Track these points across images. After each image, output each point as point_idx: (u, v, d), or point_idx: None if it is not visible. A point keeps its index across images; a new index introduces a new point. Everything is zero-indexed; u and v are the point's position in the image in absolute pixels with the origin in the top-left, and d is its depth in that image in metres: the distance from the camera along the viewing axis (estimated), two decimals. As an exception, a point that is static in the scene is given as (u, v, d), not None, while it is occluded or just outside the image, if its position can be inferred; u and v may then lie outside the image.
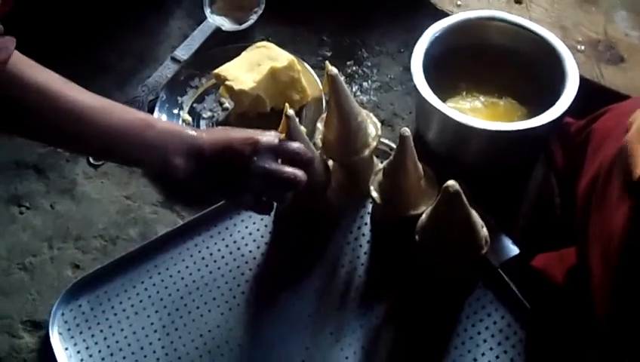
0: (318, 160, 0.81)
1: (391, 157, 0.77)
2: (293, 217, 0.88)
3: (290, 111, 0.74)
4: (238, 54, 0.97)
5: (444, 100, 0.85)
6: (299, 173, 0.72)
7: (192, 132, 0.72)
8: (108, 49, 1.06)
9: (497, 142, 0.84)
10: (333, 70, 0.74)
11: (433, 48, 0.88)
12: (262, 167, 0.70)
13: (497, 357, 0.77)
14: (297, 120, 0.75)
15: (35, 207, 0.93)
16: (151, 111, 0.98)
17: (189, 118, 0.99)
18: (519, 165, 0.89)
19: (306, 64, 1.00)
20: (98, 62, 1.05)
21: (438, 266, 0.79)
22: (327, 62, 0.76)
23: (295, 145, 0.73)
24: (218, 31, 1.06)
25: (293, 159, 0.73)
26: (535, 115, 0.82)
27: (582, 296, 0.72)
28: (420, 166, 0.78)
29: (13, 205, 0.93)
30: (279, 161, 0.73)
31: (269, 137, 0.71)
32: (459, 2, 0.99)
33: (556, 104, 0.82)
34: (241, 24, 1.07)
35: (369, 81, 1.01)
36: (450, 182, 0.67)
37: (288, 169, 0.71)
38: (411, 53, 0.87)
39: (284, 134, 0.75)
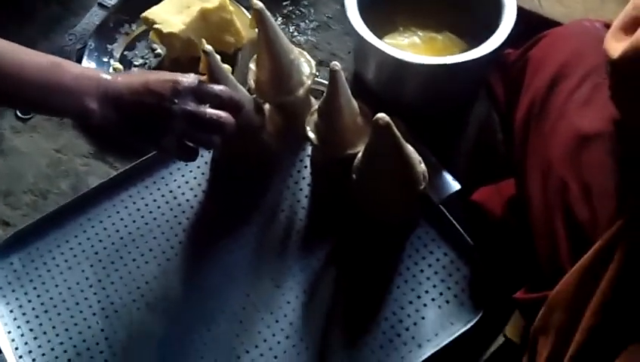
0: (250, 102, 0.78)
1: (324, 94, 0.74)
2: (230, 163, 0.85)
3: (208, 47, 0.70)
4: (168, -4, 0.92)
5: (381, 37, 0.83)
6: (223, 114, 0.68)
7: (108, 76, 0.68)
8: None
9: (436, 77, 0.82)
10: (258, 4, 0.71)
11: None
12: (183, 108, 0.66)
13: (441, 293, 0.76)
14: (218, 57, 0.72)
15: (-41, 164, 0.89)
16: (79, 60, 0.94)
17: (121, 67, 0.95)
18: (460, 101, 0.87)
19: (240, 6, 0.96)
20: (23, 10, 1.00)
21: (376, 205, 0.77)
22: (251, -1, 0.73)
23: (218, 87, 0.69)
24: (147, -27, 1.01)
25: (220, 103, 0.70)
26: (473, 48, 0.80)
27: (520, 227, 0.72)
28: (355, 103, 0.75)
29: (-62, 163, 0.89)
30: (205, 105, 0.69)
31: (190, 78, 0.68)
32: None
33: (493, 35, 0.80)
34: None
35: (306, 21, 0.98)
36: (380, 115, 0.65)
37: (212, 110, 0.68)
38: (347, -10, 0.83)
39: (205, 75, 0.71)
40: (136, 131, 0.68)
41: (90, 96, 0.65)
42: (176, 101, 0.66)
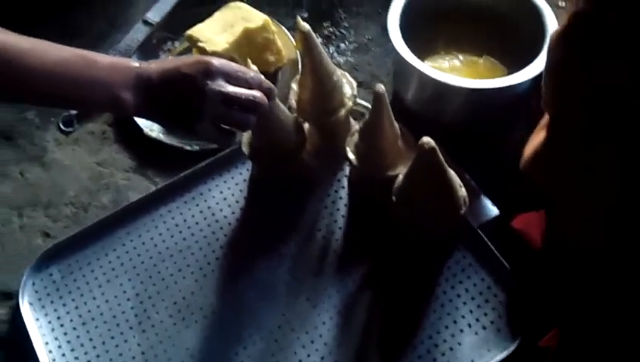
0: (290, 121, 0.79)
1: (366, 116, 0.74)
2: (268, 181, 0.86)
3: (253, 67, 0.71)
4: (211, 15, 0.94)
5: (422, 59, 0.83)
6: (258, 94, 0.67)
7: (138, 64, 0.68)
8: (79, 12, 1.03)
9: (476, 100, 0.82)
10: (305, 26, 0.72)
11: (411, 7, 0.86)
12: (217, 90, 0.65)
13: (477, 319, 0.75)
14: (262, 76, 0.73)
15: (5, 175, 0.90)
16: (123, 75, 0.95)
17: (162, 82, 0.96)
18: (499, 124, 0.87)
19: (281, 26, 0.97)
20: (69, 25, 1.02)
21: (415, 228, 0.77)
22: (298, 17, 0.74)
23: (250, 73, 0.69)
24: (191, -8, 1.03)
25: (251, 88, 0.69)
26: (514, 72, 0.80)
27: (558, 256, 0.71)
28: (396, 125, 0.76)
29: (-18, 173, 0.91)
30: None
31: (221, 60, 0.68)
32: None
33: (535, 61, 0.80)
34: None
35: (346, 42, 0.98)
36: (425, 139, 0.65)
37: (246, 90, 0.67)
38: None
39: None
40: (171, 117, 0.68)
41: (123, 86, 0.66)
42: (208, 82, 0.66)
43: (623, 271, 0.60)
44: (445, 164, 0.68)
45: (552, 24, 0.82)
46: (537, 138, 0.62)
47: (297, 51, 0.95)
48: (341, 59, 0.96)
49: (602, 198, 0.56)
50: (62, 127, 0.94)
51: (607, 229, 0.58)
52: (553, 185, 0.61)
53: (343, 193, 0.84)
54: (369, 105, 0.87)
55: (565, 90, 0.55)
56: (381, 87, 0.71)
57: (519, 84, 0.79)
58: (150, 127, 0.91)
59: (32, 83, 0.66)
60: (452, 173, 0.71)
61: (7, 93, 0.69)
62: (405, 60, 0.81)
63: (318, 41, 0.74)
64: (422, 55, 0.84)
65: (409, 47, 0.82)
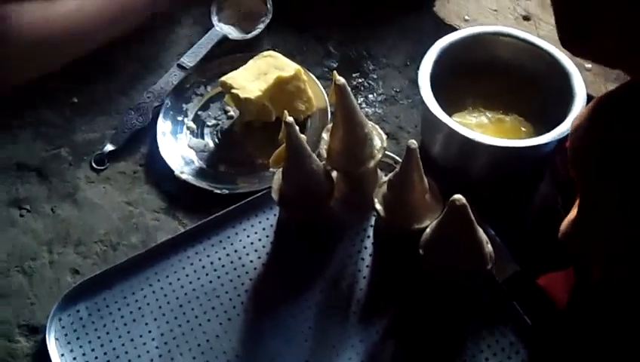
0: (320, 170, 0.80)
1: (397, 169, 0.76)
2: (295, 227, 0.87)
3: (289, 118, 0.73)
4: (245, 63, 0.96)
5: (450, 115, 0.85)
6: None
7: None
8: (114, 54, 1.06)
9: (502, 158, 0.83)
10: (341, 80, 0.74)
11: (440, 62, 0.88)
12: None
13: (499, 375, 0.76)
14: (297, 127, 0.75)
15: (36, 211, 0.92)
16: (155, 117, 0.98)
17: (194, 126, 0.99)
18: (524, 181, 0.88)
19: (311, 74, 1.00)
20: (104, 66, 1.05)
21: (441, 282, 0.78)
22: (334, 72, 0.76)
23: None
24: (225, 39, 1.06)
25: None
26: (541, 132, 0.82)
27: (583, 315, 0.72)
28: (425, 179, 0.77)
29: (14, 208, 0.92)
30: None
31: None
32: (467, 17, 0.99)
33: (563, 123, 0.81)
34: (247, 33, 1.07)
35: (374, 94, 1.01)
36: (457, 196, 0.66)
37: None
38: (418, 66, 0.86)
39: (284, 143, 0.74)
40: None
41: None
42: None
43: None
44: (474, 221, 0.69)
45: (579, 86, 0.83)
46: (575, 206, 0.63)
47: (327, 100, 0.97)
48: (369, 110, 0.99)
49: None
50: (94, 165, 0.96)
51: None
52: (590, 252, 0.62)
53: (369, 243, 0.86)
54: (396, 157, 0.90)
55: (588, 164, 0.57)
56: (414, 143, 0.72)
57: (545, 144, 0.80)
58: (180, 169, 0.93)
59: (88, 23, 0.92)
60: (480, 229, 0.72)
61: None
62: (434, 115, 0.83)
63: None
64: (449, 110, 0.86)
65: (437, 102, 0.84)
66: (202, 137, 0.98)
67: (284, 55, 0.97)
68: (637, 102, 0.52)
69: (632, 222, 0.54)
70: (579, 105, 0.82)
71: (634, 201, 0.53)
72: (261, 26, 1.06)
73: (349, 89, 0.75)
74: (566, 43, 0.52)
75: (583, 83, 0.84)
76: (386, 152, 0.86)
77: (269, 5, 1.07)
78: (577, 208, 0.61)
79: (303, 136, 0.77)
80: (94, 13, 0.96)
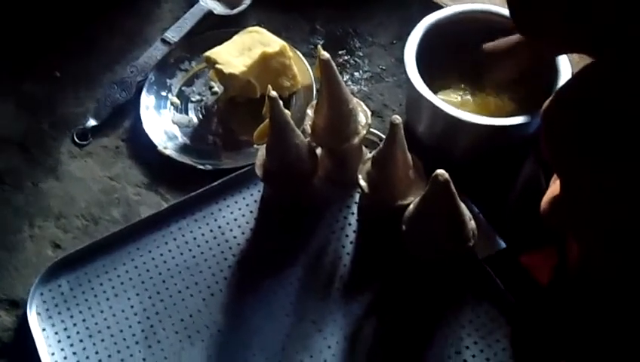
0: (305, 146, 0.80)
1: (380, 145, 0.76)
2: (279, 204, 0.87)
3: (273, 93, 0.73)
4: (229, 38, 0.95)
5: (435, 93, 0.85)
6: None
7: None
8: (98, 28, 1.05)
9: (486, 136, 0.83)
10: (326, 55, 0.73)
11: (426, 40, 0.87)
12: None
13: (481, 350, 0.76)
14: (281, 102, 0.74)
15: (17, 185, 0.91)
16: (139, 92, 0.97)
17: (178, 101, 0.98)
18: (508, 160, 0.88)
19: (297, 51, 0.99)
20: (88, 41, 1.04)
21: (423, 257, 0.78)
22: (319, 46, 0.75)
23: None
24: (210, 14, 1.05)
25: None
26: (525, 111, 0.82)
27: (565, 293, 0.73)
28: (409, 156, 0.77)
29: (-6, 182, 0.92)
30: None
31: None
32: (453, -3, 0.99)
33: (546, 102, 0.81)
34: (233, 8, 1.06)
35: (360, 71, 1.00)
36: (440, 171, 0.66)
37: None
38: (404, 45, 0.86)
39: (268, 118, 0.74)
40: None
41: None
42: None
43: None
44: (457, 197, 0.70)
45: (564, 65, 0.83)
46: (555, 184, 0.63)
47: (312, 77, 0.96)
48: (355, 88, 0.98)
49: (620, 235, 0.57)
50: (76, 139, 0.95)
51: (625, 272, 0.59)
52: (572, 229, 0.62)
53: (352, 219, 0.86)
54: (381, 135, 0.90)
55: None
56: (397, 118, 0.72)
57: (529, 123, 0.80)
58: (164, 144, 0.92)
59: None
60: (463, 205, 0.73)
61: None
62: (418, 93, 0.83)
63: (335, 68, 0.77)
64: (434, 88, 0.86)
65: (423, 80, 0.84)
66: (186, 113, 0.97)
67: (270, 31, 0.96)
68: (614, 77, 0.52)
69: (613, 198, 0.54)
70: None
71: (615, 177, 0.54)
72: (247, 2, 1.05)
73: (334, 64, 0.75)
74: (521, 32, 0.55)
75: (568, 62, 0.84)
76: (371, 130, 0.86)
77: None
78: (559, 186, 0.62)
79: (287, 112, 0.77)
80: None
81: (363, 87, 0.99)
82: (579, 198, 0.58)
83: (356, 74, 1.00)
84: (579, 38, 0.55)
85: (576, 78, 0.56)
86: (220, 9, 1.06)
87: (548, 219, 0.65)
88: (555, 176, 0.66)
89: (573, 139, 0.54)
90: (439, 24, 0.89)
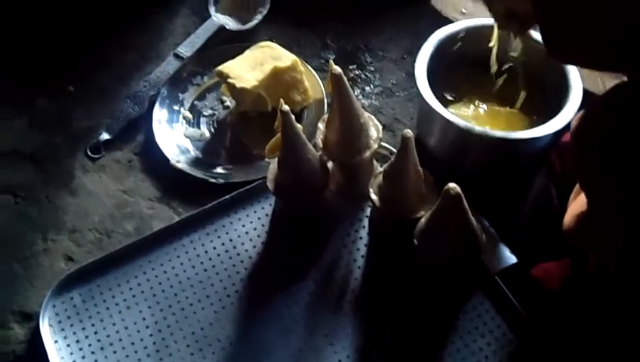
0: (316, 160, 0.80)
1: (392, 159, 0.76)
2: (291, 218, 0.87)
3: (285, 107, 0.74)
4: (241, 53, 0.96)
5: (446, 107, 0.85)
6: None
7: None
8: (112, 43, 1.06)
9: (498, 150, 0.84)
10: (337, 69, 0.74)
11: (437, 55, 0.88)
12: None
13: (493, 365, 0.76)
14: (293, 116, 0.75)
15: (31, 198, 0.92)
16: (151, 106, 0.98)
17: (190, 115, 0.99)
18: (520, 174, 0.88)
19: (309, 66, 1.00)
20: (101, 55, 1.05)
21: (435, 271, 0.78)
22: (331, 61, 0.76)
23: None
24: (222, 30, 1.06)
25: None
26: (537, 126, 0.82)
27: (578, 305, 0.72)
28: (420, 170, 0.78)
29: (9, 195, 0.92)
30: None
31: None
32: (464, 10, 0.99)
33: (558, 115, 0.82)
34: (245, 23, 1.07)
35: (371, 86, 1.01)
36: (451, 185, 0.66)
37: None
38: (415, 59, 0.86)
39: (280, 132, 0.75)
40: None
41: None
42: None
43: None
44: (469, 211, 0.70)
45: (575, 80, 0.84)
46: (578, 201, 0.63)
47: (324, 91, 0.97)
48: (366, 102, 0.99)
49: None
50: (89, 153, 0.96)
51: None
52: (597, 247, 0.61)
53: (364, 233, 0.86)
54: (392, 149, 0.90)
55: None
56: (409, 132, 0.73)
57: (540, 137, 0.81)
58: (176, 158, 0.93)
59: None
60: (474, 219, 0.73)
61: None
62: (430, 106, 0.83)
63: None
64: (445, 102, 0.87)
65: (434, 94, 0.84)
66: (198, 127, 0.98)
67: (282, 46, 0.97)
68: None
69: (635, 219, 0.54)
70: (575, 99, 0.82)
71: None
72: (258, 17, 1.06)
73: (346, 78, 0.75)
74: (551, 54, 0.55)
75: (580, 77, 0.84)
76: (382, 143, 0.86)
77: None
78: (583, 203, 0.61)
79: (298, 126, 0.77)
80: None
81: (374, 101, 0.99)
82: (606, 217, 0.57)
83: (367, 88, 1.01)
84: (617, 62, 0.54)
85: (607, 95, 0.55)
86: (232, 24, 1.07)
87: (572, 236, 0.64)
88: (575, 192, 0.66)
89: (603, 156, 0.54)
90: (449, 39, 0.90)
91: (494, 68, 0.87)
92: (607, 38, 0.49)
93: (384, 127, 0.94)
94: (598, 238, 0.60)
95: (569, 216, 0.64)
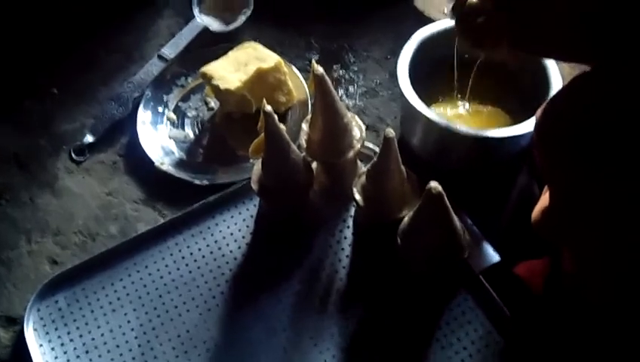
0: (300, 160, 0.81)
1: (375, 159, 0.77)
2: (275, 218, 0.88)
3: (268, 108, 0.74)
4: (225, 54, 0.96)
5: (428, 106, 0.85)
6: None
7: None
8: (95, 44, 1.06)
9: (480, 148, 0.84)
10: (319, 69, 0.74)
11: (419, 54, 0.88)
12: None
13: (477, 363, 0.77)
14: (276, 117, 0.75)
15: (15, 200, 0.92)
16: (136, 108, 0.98)
17: (174, 117, 0.98)
18: (502, 172, 0.89)
19: (292, 66, 1.00)
20: (85, 57, 1.05)
21: (418, 270, 0.79)
22: (313, 61, 0.76)
23: None
24: (206, 30, 1.06)
25: None
26: (517, 123, 0.83)
27: (560, 303, 0.73)
28: (403, 169, 0.78)
29: (-8, 197, 0.92)
30: None
31: None
32: (445, 10, 1.00)
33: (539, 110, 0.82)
34: (228, 24, 1.07)
35: (355, 86, 1.01)
36: (433, 184, 0.67)
37: None
38: (398, 59, 0.87)
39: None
40: None
41: None
42: None
43: (629, 320, 0.62)
44: (451, 210, 0.70)
45: (555, 78, 0.84)
46: (546, 194, 0.64)
47: (308, 92, 0.97)
48: (350, 102, 0.99)
49: (614, 244, 0.57)
50: (73, 155, 0.95)
51: (618, 281, 0.59)
52: (564, 240, 0.62)
53: (348, 233, 0.86)
54: (376, 148, 0.90)
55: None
56: (391, 132, 0.73)
57: (521, 135, 0.81)
58: (161, 160, 0.93)
59: None
60: (456, 218, 0.73)
61: None
62: (412, 106, 0.83)
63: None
64: (428, 101, 0.87)
65: (416, 93, 0.84)
66: (183, 128, 0.98)
67: (265, 47, 0.97)
68: (608, 86, 0.53)
69: (602, 206, 0.55)
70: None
71: (604, 186, 0.54)
72: (242, 18, 1.06)
73: (328, 79, 0.75)
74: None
75: (560, 75, 0.85)
76: (366, 143, 0.86)
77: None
78: (549, 196, 0.62)
79: (282, 126, 0.77)
80: None
81: (358, 101, 0.99)
82: (569, 207, 0.58)
83: (351, 88, 1.01)
84: (580, 47, 0.55)
85: (568, 87, 0.56)
86: (215, 26, 1.07)
87: (539, 229, 0.65)
88: (546, 187, 0.67)
89: (564, 148, 0.55)
90: (431, 38, 0.90)
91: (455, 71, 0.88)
92: (574, 20, 0.50)
93: (368, 127, 0.94)
94: (561, 230, 0.61)
95: (536, 210, 0.65)
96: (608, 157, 0.52)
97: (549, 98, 0.82)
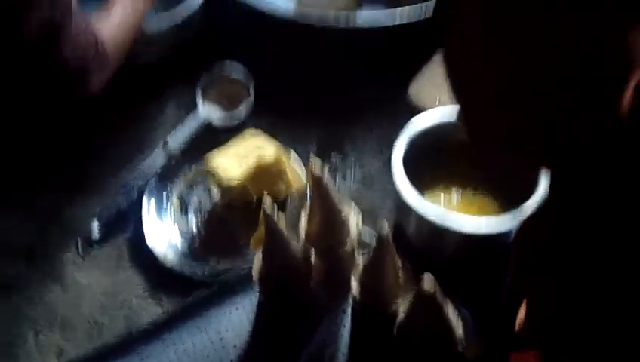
0: (299, 250, 0.83)
1: (370, 254, 0.79)
2: (277, 308, 0.90)
3: (268, 205, 0.76)
4: (228, 141, 1.00)
5: (422, 192, 0.89)
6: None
7: None
8: (101, 136, 1.09)
9: (471, 243, 0.87)
10: (317, 171, 0.77)
11: (413, 144, 0.92)
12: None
13: None
14: (275, 212, 0.78)
15: (23, 294, 0.94)
16: (140, 196, 1.01)
17: (178, 205, 1.02)
18: (494, 261, 0.91)
19: (292, 153, 1.04)
20: (91, 146, 1.09)
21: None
22: (311, 160, 0.79)
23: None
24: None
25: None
26: (510, 210, 0.85)
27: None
28: (398, 262, 0.81)
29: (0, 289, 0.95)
30: None
31: None
32: (438, 100, 1.04)
33: (527, 202, 0.85)
34: (230, 114, 1.11)
35: (351, 173, 1.04)
36: (426, 285, 0.69)
37: None
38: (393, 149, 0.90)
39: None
40: None
41: None
42: None
43: None
44: (445, 308, 0.73)
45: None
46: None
47: (306, 181, 1.01)
48: (345, 190, 1.02)
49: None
50: (80, 246, 0.98)
51: None
52: (539, 345, 0.64)
53: (348, 322, 0.88)
54: (373, 234, 0.93)
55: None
56: (384, 230, 0.76)
57: (511, 231, 0.84)
58: (165, 251, 0.96)
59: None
60: (451, 312, 0.76)
61: None
62: (405, 201, 0.86)
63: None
64: (422, 188, 0.90)
65: (411, 182, 0.87)
66: (186, 216, 1.01)
67: (266, 133, 1.01)
68: (578, 210, 0.56)
69: (575, 319, 0.57)
70: (543, 187, 0.86)
71: (572, 299, 0.56)
72: (242, 111, 1.10)
73: (326, 179, 0.78)
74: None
75: (548, 166, 0.88)
76: (363, 228, 0.89)
77: (250, 91, 1.11)
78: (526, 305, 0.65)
79: (282, 219, 0.80)
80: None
81: (354, 188, 1.03)
82: (541, 318, 0.61)
83: (347, 174, 1.04)
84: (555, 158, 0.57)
85: (535, 211, 0.60)
86: (218, 115, 1.11)
87: (523, 336, 0.68)
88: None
89: (539, 259, 0.58)
90: (423, 128, 0.93)
91: None
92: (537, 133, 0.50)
93: (364, 213, 0.96)
94: (535, 338, 0.63)
95: (520, 316, 0.68)
96: (574, 271, 0.55)
97: (537, 187, 0.86)
